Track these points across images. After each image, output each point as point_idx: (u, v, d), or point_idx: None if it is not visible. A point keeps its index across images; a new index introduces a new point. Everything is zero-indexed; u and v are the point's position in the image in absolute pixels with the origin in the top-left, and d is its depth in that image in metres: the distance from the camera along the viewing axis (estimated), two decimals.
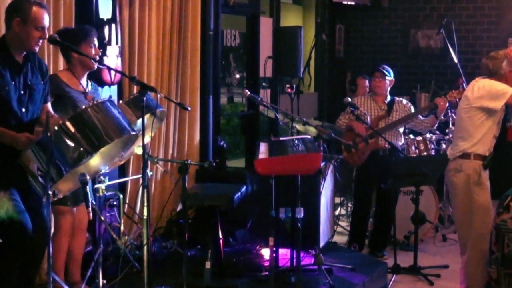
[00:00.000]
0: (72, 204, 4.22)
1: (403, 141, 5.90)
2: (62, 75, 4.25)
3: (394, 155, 5.79)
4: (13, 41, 3.63)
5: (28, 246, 3.65)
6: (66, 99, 4.13)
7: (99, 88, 4.57)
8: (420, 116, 5.90)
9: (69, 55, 4.25)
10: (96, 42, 4.27)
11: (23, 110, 3.68)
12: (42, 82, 3.80)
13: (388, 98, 5.93)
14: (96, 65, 4.23)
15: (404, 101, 5.99)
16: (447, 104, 5.72)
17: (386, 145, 5.71)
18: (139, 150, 4.01)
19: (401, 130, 5.95)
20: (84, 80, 4.31)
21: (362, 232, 6.05)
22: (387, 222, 5.91)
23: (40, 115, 3.79)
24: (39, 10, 3.61)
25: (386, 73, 5.89)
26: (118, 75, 5.06)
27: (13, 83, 3.61)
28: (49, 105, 3.90)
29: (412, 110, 5.94)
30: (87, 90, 4.30)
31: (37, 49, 3.71)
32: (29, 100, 3.71)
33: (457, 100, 5.85)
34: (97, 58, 4.25)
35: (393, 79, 5.98)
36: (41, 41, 3.68)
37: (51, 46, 4.48)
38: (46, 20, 3.66)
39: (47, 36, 3.70)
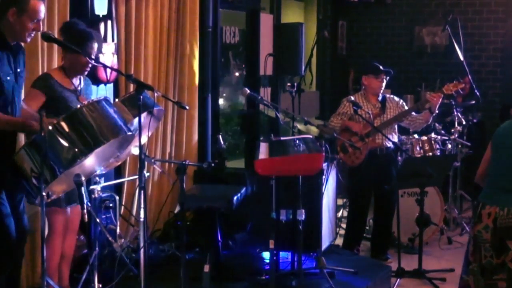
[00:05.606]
0: (66, 205, 4.17)
1: (396, 138, 5.82)
2: (55, 73, 4.15)
3: (391, 153, 5.73)
4: (7, 30, 3.58)
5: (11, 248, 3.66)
6: (59, 99, 4.05)
7: (91, 83, 4.49)
8: (413, 113, 5.82)
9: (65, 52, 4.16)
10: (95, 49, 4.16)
11: (16, 98, 3.67)
12: (24, 68, 3.78)
13: (380, 96, 5.86)
14: (86, 73, 4.19)
15: (396, 98, 5.96)
16: (441, 98, 5.65)
17: (385, 143, 5.65)
18: (135, 151, 3.99)
19: (395, 127, 5.89)
20: (76, 79, 4.22)
21: (358, 236, 5.96)
22: (387, 225, 5.85)
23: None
24: (36, 2, 3.56)
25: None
26: (114, 73, 5.07)
27: (11, 72, 3.59)
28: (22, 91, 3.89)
29: (405, 106, 5.91)
30: (79, 88, 4.21)
31: (29, 40, 3.67)
32: (19, 88, 3.70)
33: (454, 93, 5.79)
34: (89, 67, 4.17)
35: None
36: (34, 32, 3.64)
37: (45, 42, 4.41)
38: (43, 12, 3.64)
39: (41, 28, 3.67)
